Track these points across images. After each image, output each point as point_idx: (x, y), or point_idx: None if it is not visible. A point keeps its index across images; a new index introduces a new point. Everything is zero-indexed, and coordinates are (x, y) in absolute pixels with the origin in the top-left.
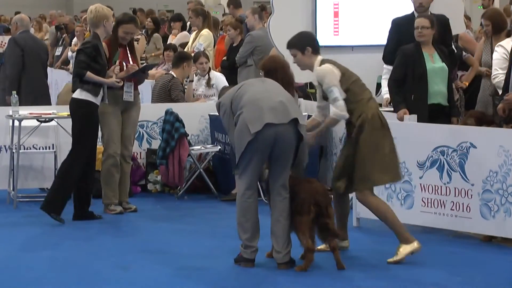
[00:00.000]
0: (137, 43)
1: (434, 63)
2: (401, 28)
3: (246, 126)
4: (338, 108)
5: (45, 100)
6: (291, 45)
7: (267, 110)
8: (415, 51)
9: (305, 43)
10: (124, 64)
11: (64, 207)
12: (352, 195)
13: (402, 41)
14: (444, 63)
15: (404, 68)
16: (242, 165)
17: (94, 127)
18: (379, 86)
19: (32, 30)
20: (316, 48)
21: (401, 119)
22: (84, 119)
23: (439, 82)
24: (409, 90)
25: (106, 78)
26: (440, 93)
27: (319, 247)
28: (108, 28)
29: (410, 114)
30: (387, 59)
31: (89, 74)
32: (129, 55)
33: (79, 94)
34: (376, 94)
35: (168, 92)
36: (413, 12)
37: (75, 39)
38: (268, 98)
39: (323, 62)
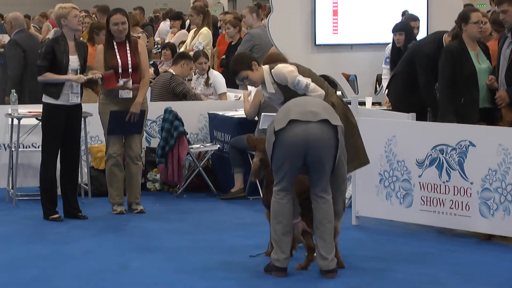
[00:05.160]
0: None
1: (480, 63)
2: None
3: (273, 127)
4: (313, 92)
5: None
6: (237, 70)
7: (294, 108)
8: (461, 50)
9: (249, 60)
10: (119, 61)
11: (52, 207)
12: (351, 193)
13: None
14: (489, 61)
15: (454, 69)
16: (275, 167)
17: (55, 129)
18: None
19: (33, 29)
20: (257, 60)
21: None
22: (44, 122)
23: (485, 85)
24: (458, 93)
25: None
26: (487, 97)
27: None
28: (70, 24)
29: (460, 119)
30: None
31: (46, 75)
32: (128, 52)
33: (43, 97)
34: (375, 93)
35: (169, 90)
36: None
37: None
38: (301, 105)
39: (272, 66)
